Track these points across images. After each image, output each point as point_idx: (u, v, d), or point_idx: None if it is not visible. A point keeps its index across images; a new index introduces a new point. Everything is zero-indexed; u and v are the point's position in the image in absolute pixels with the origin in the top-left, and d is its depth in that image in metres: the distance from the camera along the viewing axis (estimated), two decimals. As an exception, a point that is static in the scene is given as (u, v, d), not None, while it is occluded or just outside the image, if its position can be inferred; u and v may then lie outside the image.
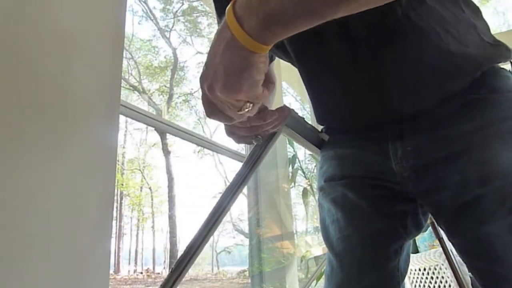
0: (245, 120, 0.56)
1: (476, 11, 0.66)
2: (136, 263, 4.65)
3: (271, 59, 0.90)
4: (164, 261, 4.62)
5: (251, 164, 0.62)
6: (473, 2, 0.67)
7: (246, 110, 0.49)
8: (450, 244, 0.65)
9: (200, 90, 0.51)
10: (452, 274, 1.51)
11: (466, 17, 0.64)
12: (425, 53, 0.60)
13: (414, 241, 2.33)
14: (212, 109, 0.51)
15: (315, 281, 2.40)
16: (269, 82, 0.52)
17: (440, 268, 2.07)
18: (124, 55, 1.24)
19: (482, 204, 0.57)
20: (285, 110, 0.60)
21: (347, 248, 0.68)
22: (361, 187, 0.70)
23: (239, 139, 0.62)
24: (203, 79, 0.48)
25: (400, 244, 0.68)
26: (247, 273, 3.77)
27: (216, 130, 4.69)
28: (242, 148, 2.94)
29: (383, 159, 0.66)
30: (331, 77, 0.69)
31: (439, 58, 0.60)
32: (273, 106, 0.68)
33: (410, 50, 0.61)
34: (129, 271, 4.48)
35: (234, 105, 0.48)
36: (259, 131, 0.60)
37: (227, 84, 0.46)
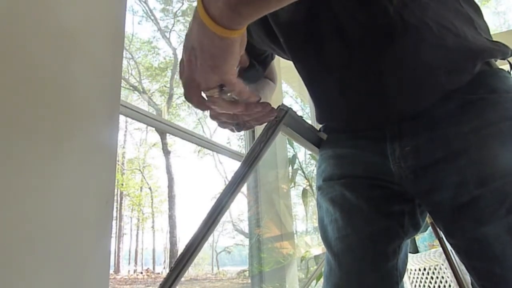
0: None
1: (476, 9, 0.66)
2: (136, 263, 4.65)
3: (272, 58, 0.90)
4: (164, 261, 4.63)
5: (249, 162, 0.62)
6: (473, 0, 0.67)
7: (212, 94, 0.50)
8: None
9: None
10: (452, 274, 1.51)
11: (464, 11, 0.63)
12: (421, 51, 0.60)
13: (414, 241, 2.33)
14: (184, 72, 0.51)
15: (315, 280, 2.40)
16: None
17: (440, 268, 2.07)
18: (124, 55, 1.24)
19: (480, 204, 0.57)
20: (269, 107, 0.59)
21: (345, 248, 0.68)
22: (359, 187, 0.70)
23: (221, 123, 0.63)
24: (184, 48, 0.50)
25: (398, 243, 0.68)
26: (247, 273, 3.77)
27: (216, 130, 4.69)
28: (242, 148, 2.94)
29: (381, 159, 0.66)
30: (329, 77, 0.69)
31: (435, 55, 0.60)
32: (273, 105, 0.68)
33: (405, 49, 0.61)
34: (129, 271, 4.48)
35: (207, 83, 0.49)
36: (239, 120, 0.60)
37: (203, 63, 0.47)
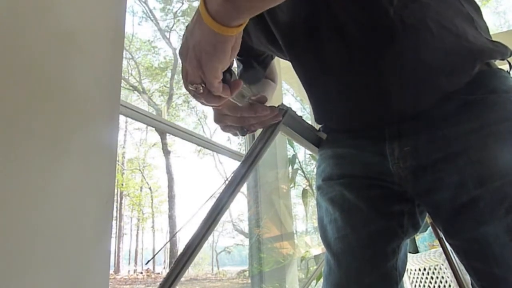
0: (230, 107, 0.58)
1: (476, 8, 0.67)
2: (136, 263, 4.65)
3: (271, 58, 0.91)
4: (164, 261, 4.63)
5: (249, 162, 0.63)
6: (474, 0, 0.67)
7: (195, 89, 0.51)
8: (448, 244, 0.66)
9: None
10: (452, 274, 1.51)
11: (465, 11, 0.64)
12: (420, 52, 0.60)
13: (414, 241, 2.33)
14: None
15: (315, 280, 2.40)
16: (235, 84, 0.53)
17: (440, 268, 2.07)
18: (124, 55, 1.24)
19: (480, 205, 0.57)
20: (276, 110, 0.61)
21: (345, 248, 0.68)
22: (359, 187, 0.70)
23: (225, 127, 0.64)
24: (183, 39, 0.52)
25: (397, 243, 0.68)
26: (247, 273, 3.77)
27: (216, 130, 4.69)
28: (241, 147, 2.94)
29: (380, 159, 0.67)
30: (329, 78, 0.69)
31: (434, 57, 0.60)
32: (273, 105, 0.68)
33: (405, 49, 0.61)
34: (129, 271, 4.48)
35: (191, 77, 0.50)
36: (246, 124, 0.62)
37: (193, 56, 0.48)
